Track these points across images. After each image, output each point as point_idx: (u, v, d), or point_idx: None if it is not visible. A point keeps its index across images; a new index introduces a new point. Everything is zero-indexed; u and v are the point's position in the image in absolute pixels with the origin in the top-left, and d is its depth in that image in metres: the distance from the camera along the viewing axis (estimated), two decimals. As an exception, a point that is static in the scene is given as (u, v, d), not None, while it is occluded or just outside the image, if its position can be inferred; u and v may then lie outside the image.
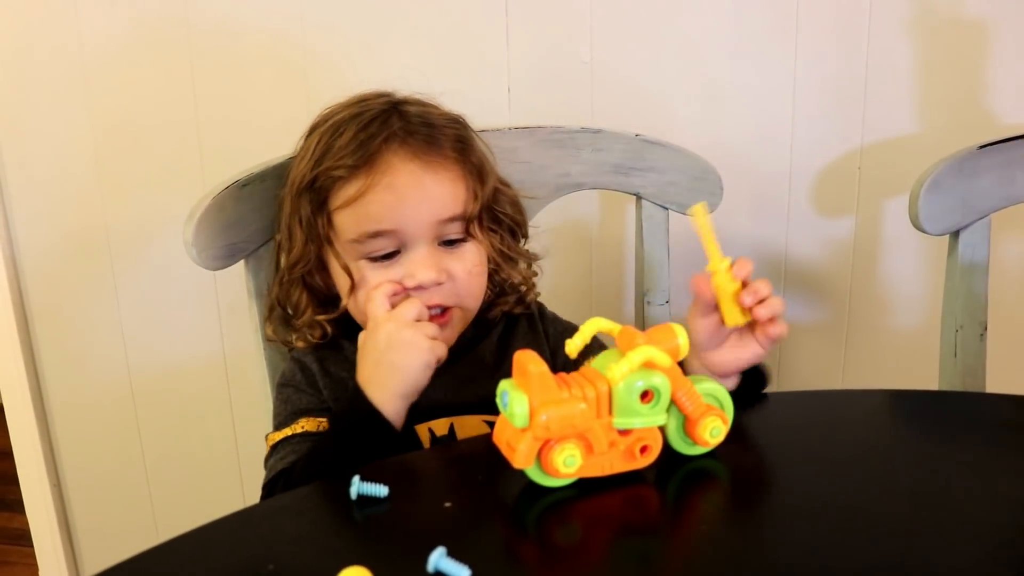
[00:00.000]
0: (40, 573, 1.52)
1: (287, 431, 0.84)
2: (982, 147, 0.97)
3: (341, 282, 0.86)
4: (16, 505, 1.53)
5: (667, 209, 1.03)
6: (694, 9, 1.15)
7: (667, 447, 0.65)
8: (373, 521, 0.59)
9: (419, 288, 0.83)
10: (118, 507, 1.47)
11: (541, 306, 0.97)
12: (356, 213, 0.82)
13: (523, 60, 1.18)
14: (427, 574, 0.52)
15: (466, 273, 0.85)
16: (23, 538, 1.56)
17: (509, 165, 0.99)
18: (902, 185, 1.01)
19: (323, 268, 0.87)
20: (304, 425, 0.84)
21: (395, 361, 0.77)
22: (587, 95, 1.19)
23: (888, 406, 0.80)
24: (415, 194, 0.82)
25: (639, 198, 1.03)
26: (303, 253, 0.86)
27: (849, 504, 0.60)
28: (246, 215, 0.90)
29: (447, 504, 0.60)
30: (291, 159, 0.89)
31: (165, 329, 1.37)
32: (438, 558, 0.52)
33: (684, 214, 1.03)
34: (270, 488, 0.79)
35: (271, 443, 0.85)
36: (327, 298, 0.89)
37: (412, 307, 0.80)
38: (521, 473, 0.61)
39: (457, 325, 0.87)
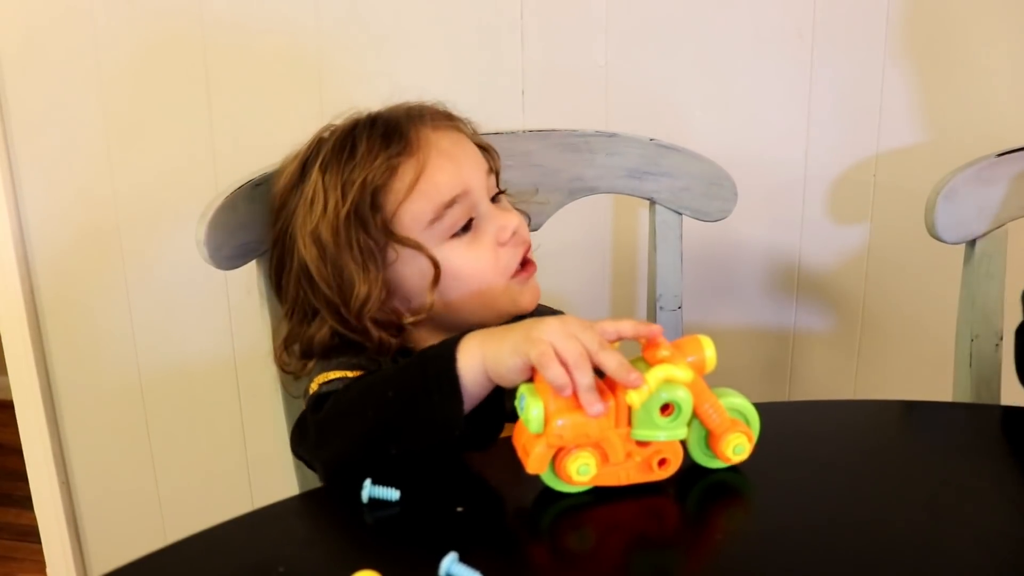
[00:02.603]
0: (48, 569, 1.52)
1: (340, 372, 0.79)
2: (1000, 155, 0.97)
3: (417, 283, 0.81)
4: (25, 502, 1.53)
5: (681, 214, 1.03)
6: (710, 14, 1.15)
7: (688, 458, 0.64)
8: (384, 524, 0.59)
9: (514, 240, 0.82)
10: (126, 505, 1.47)
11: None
12: (424, 191, 0.80)
13: (538, 63, 1.18)
14: (438, 579, 0.51)
15: (520, 217, 0.84)
16: (31, 535, 1.56)
17: (523, 168, 0.99)
18: (917, 193, 1.00)
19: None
20: (360, 373, 0.78)
21: (518, 335, 0.64)
22: (602, 99, 1.18)
23: (902, 417, 0.80)
24: (462, 154, 0.82)
25: (653, 203, 1.03)
26: (370, 286, 0.79)
27: (865, 517, 0.59)
28: (259, 215, 0.90)
29: (459, 509, 0.60)
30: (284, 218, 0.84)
31: (175, 328, 1.37)
32: (450, 563, 0.51)
33: (700, 220, 1.03)
34: (318, 403, 0.72)
35: (317, 383, 0.78)
36: (398, 325, 0.82)
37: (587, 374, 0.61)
38: (535, 479, 0.61)
39: None
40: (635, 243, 1.24)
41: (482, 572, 0.51)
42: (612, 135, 1.02)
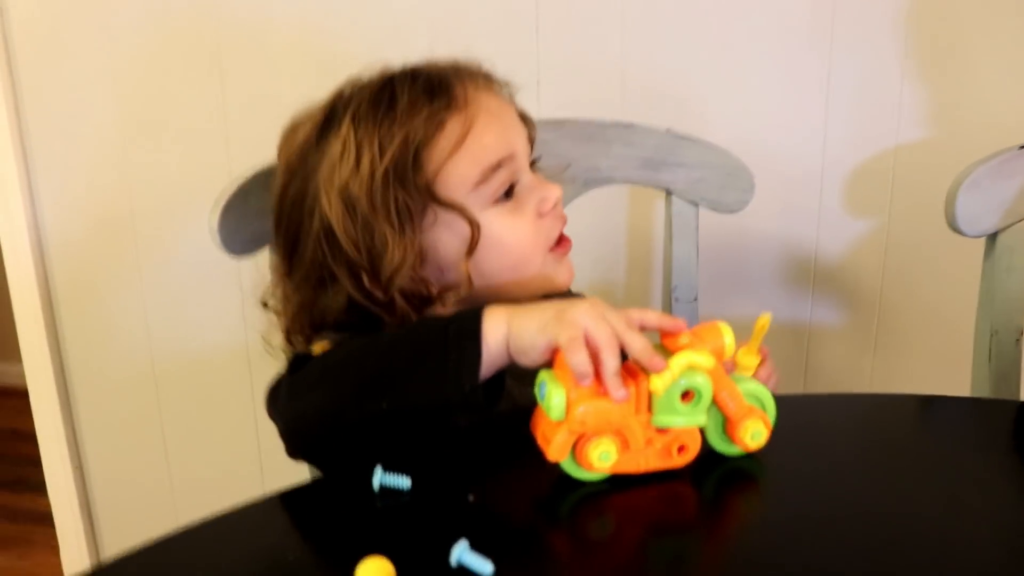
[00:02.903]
0: (61, 553, 1.53)
1: (325, 342, 0.74)
2: (1023, 147, 0.96)
3: (453, 250, 0.76)
4: (39, 487, 1.54)
5: (697, 205, 1.02)
6: (728, 4, 1.14)
7: (705, 445, 0.64)
8: (394, 512, 0.58)
9: (554, 212, 0.79)
10: (139, 490, 1.48)
11: None
12: (471, 150, 0.75)
13: (554, 53, 1.18)
14: (449, 567, 0.51)
15: (560, 189, 0.81)
16: (45, 519, 1.57)
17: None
18: (937, 186, 0.99)
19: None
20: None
21: (549, 314, 0.62)
22: (618, 89, 1.18)
23: (919, 411, 0.79)
24: (508, 117, 0.79)
25: (669, 194, 1.02)
26: (405, 250, 0.74)
27: (881, 510, 0.59)
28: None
29: (470, 496, 0.59)
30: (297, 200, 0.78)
31: (189, 315, 1.37)
32: (461, 551, 0.51)
33: (716, 211, 1.02)
34: (300, 360, 0.68)
35: (318, 349, 0.73)
36: (427, 298, 0.77)
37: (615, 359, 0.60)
38: (547, 466, 0.61)
39: None
40: (650, 234, 1.24)
41: (493, 560, 0.51)
42: (628, 125, 1.01)
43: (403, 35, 1.19)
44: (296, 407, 0.66)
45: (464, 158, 0.75)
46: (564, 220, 0.82)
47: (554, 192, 0.79)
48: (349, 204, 0.74)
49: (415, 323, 0.68)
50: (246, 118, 1.26)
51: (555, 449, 0.59)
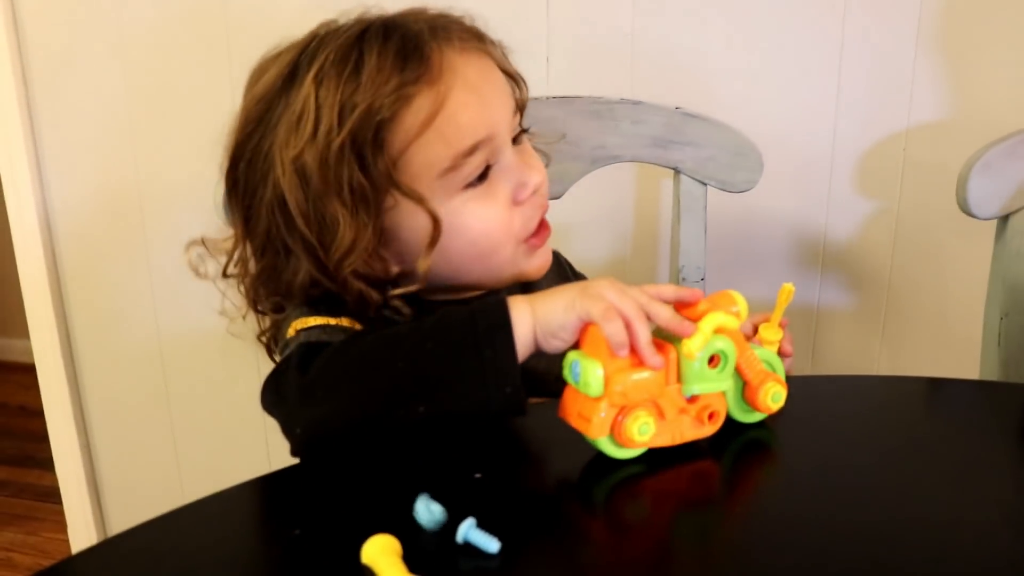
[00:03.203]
0: (68, 529, 1.54)
1: (322, 319, 0.68)
2: (1036, 129, 0.95)
3: (413, 238, 0.70)
4: (47, 463, 1.55)
5: (705, 185, 1.01)
6: (740, -19, 1.13)
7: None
8: (401, 489, 0.58)
9: (533, 199, 0.71)
10: (145, 467, 1.49)
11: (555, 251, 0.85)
12: (442, 131, 0.66)
13: (563, 30, 1.17)
14: (456, 544, 0.51)
15: (543, 172, 0.73)
16: (53, 495, 1.58)
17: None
18: (949, 168, 0.98)
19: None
20: (346, 322, 0.69)
21: (572, 293, 0.60)
22: (627, 66, 1.17)
23: (927, 393, 0.79)
24: (490, 87, 0.70)
25: (677, 172, 1.01)
26: (357, 233, 0.67)
27: (891, 494, 0.58)
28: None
29: (477, 475, 0.59)
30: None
31: (195, 292, 1.37)
32: (467, 528, 0.51)
33: (724, 191, 1.01)
34: (307, 354, 0.62)
35: (295, 328, 0.69)
36: (381, 281, 0.71)
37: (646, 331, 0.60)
38: (551, 443, 0.61)
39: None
40: (658, 214, 1.23)
41: (500, 538, 0.51)
42: (637, 103, 1.00)
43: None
44: (313, 414, 0.61)
45: (432, 140, 0.67)
46: (545, 207, 0.75)
47: (534, 177, 0.71)
48: (302, 175, 0.66)
49: (437, 317, 0.61)
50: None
51: (596, 426, 0.59)
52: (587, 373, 0.59)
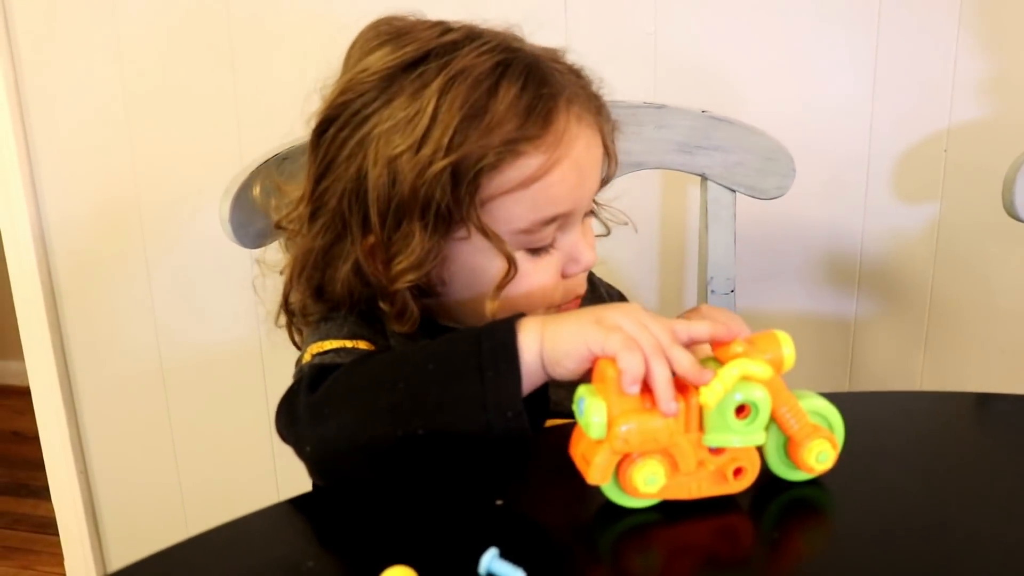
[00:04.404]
0: (66, 563, 1.55)
1: (338, 342, 0.71)
2: (1087, 128, 0.94)
3: (470, 275, 0.73)
4: (42, 492, 1.56)
5: (734, 191, 1.01)
6: (767, -24, 1.13)
7: (765, 470, 0.60)
8: (418, 518, 0.58)
9: (580, 277, 0.75)
10: (146, 496, 1.49)
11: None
12: (534, 197, 0.70)
13: (583, 31, 1.17)
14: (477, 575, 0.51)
15: (596, 252, 0.76)
16: (49, 526, 1.59)
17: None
18: (993, 170, 0.98)
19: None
20: (362, 344, 0.72)
21: (584, 320, 0.60)
22: (650, 69, 1.17)
23: (975, 410, 0.78)
24: (590, 166, 0.73)
25: (704, 179, 1.01)
26: (428, 250, 0.70)
27: (936, 519, 0.58)
28: (286, 191, 0.90)
29: (499, 501, 0.59)
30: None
31: (199, 311, 1.38)
32: (491, 559, 0.51)
33: (754, 197, 1.01)
34: (320, 375, 0.65)
35: (311, 353, 0.72)
36: (427, 292, 0.75)
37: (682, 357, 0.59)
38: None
39: None
40: (685, 222, 1.23)
41: (526, 570, 0.50)
42: (661, 107, 1.00)
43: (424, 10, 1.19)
44: (321, 432, 0.63)
45: (523, 201, 0.70)
46: (586, 285, 0.78)
47: (587, 257, 0.75)
48: (393, 176, 0.69)
49: (445, 337, 0.64)
50: (258, 104, 1.26)
51: (595, 471, 0.56)
52: (590, 413, 0.56)
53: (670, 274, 1.26)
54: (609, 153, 0.78)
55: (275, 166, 0.89)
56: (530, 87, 0.69)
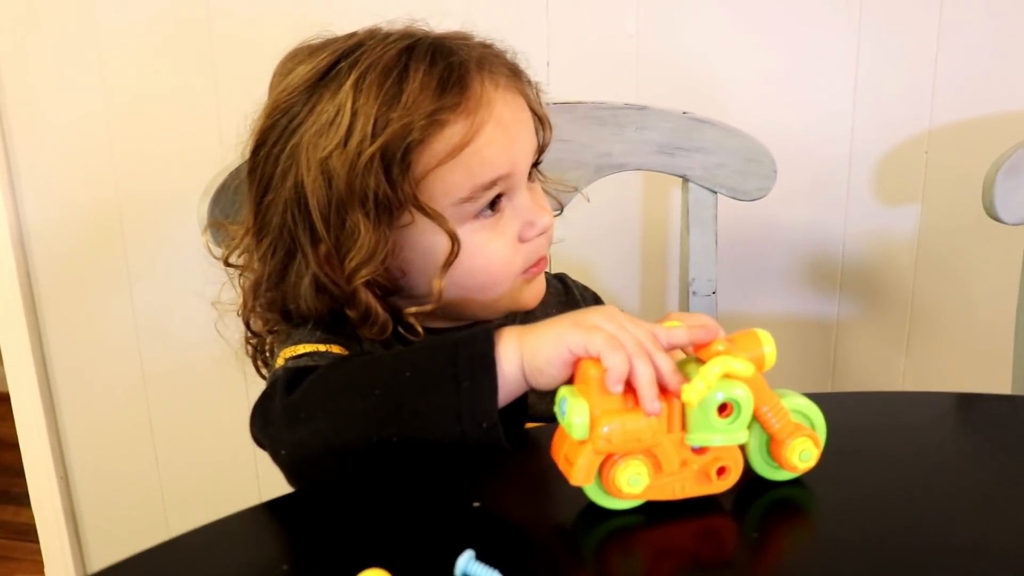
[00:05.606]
0: (45, 570, 1.54)
1: (310, 346, 0.72)
2: (1065, 129, 0.95)
3: (422, 258, 0.74)
4: (22, 499, 1.54)
5: (716, 193, 1.02)
6: (748, -22, 1.14)
7: (748, 470, 0.60)
8: (394, 520, 0.58)
9: (539, 239, 0.75)
10: (128, 502, 1.48)
11: (562, 275, 0.91)
12: (466, 163, 0.71)
13: (564, 32, 1.17)
14: (453, 578, 0.51)
15: (551, 214, 0.77)
16: (28, 533, 1.57)
17: (547, 143, 0.98)
18: (973, 171, 0.98)
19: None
20: (335, 348, 0.73)
21: (563, 324, 0.61)
22: (632, 70, 1.17)
23: (955, 411, 0.78)
24: (519, 127, 0.75)
25: (686, 180, 1.02)
26: (377, 241, 0.71)
27: (916, 519, 0.58)
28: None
29: (475, 503, 0.59)
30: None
31: (180, 317, 1.37)
32: (467, 562, 0.51)
33: (736, 199, 1.01)
34: (295, 378, 0.65)
35: (284, 357, 0.73)
36: (390, 289, 0.75)
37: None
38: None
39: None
40: (666, 224, 1.23)
41: (501, 571, 0.50)
42: (642, 108, 1.00)
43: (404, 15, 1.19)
44: (296, 436, 0.63)
45: (457, 169, 0.71)
46: (549, 241, 0.79)
47: (543, 218, 0.76)
48: (328, 177, 0.70)
49: (422, 344, 0.65)
50: (240, 110, 1.25)
51: (579, 472, 0.56)
52: (572, 414, 0.56)
53: (651, 276, 1.26)
54: (539, 116, 0.79)
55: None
56: (439, 61, 0.71)
